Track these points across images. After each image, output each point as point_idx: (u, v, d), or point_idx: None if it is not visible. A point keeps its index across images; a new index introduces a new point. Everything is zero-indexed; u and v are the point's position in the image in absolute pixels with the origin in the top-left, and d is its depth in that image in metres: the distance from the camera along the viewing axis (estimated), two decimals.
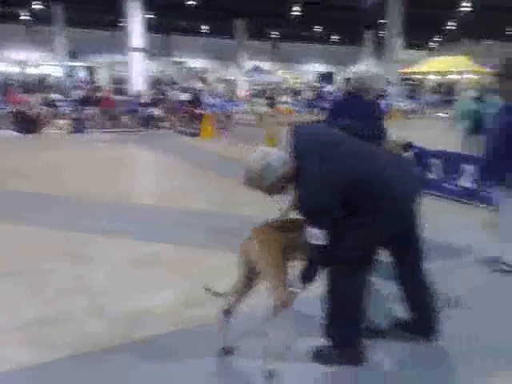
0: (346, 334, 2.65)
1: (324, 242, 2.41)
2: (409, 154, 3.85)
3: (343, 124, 2.88)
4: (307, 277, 2.52)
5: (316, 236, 2.40)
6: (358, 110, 3.54)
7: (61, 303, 3.38)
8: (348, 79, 3.73)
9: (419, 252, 2.84)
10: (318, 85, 28.30)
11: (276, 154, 2.50)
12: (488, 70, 18.03)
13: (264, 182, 2.47)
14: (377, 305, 2.98)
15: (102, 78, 28.84)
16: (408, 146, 3.90)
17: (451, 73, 23.72)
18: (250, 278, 2.64)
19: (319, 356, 2.68)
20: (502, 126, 3.80)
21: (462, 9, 22.05)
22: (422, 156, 6.51)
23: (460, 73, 22.90)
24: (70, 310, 3.28)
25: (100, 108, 14.58)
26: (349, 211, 2.47)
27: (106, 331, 3.00)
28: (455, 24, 25.86)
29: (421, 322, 2.88)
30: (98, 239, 4.69)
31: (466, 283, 3.79)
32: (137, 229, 5.05)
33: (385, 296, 3.24)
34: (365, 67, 3.66)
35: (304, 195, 2.40)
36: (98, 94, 15.79)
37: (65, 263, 4.11)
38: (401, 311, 2.97)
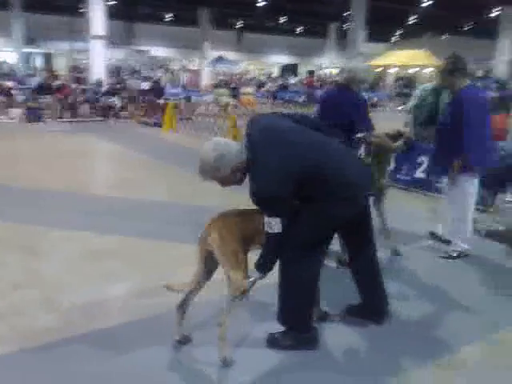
0: (298, 319, 2.71)
1: (279, 230, 2.44)
2: (400, 143, 3.95)
3: (297, 116, 2.96)
4: (264, 265, 2.54)
5: (271, 225, 2.43)
6: (343, 101, 3.65)
7: (12, 296, 3.29)
8: (341, 70, 3.84)
9: (371, 237, 2.95)
10: (280, 76, 28.35)
11: (230, 145, 2.50)
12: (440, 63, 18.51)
13: (218, 173, 2.47)
14: (328, 290, 3.06)
15: (61, 65, 27.92)
16: (399, 135, 3.99)
17: (411, 66, 24.27)
18: (208, 267, 2.65)
19: (273, 342, 2.73)
20: (447, 117, 4.05)
21: (423, 4, 22.53)
22: None
23: (419, 66, 23.46)
24: (22, 303, 3.20)
25: (57, 97, 14.11)
26: (302, 199, 2.52)
27: (57, 324, 2.94)
28: (416, 18, 26.42)
29: (372, 305, 3.00)
30: (50, 231, 4.58)
31: (415, 268, 3.95)
32: (91, 220, 4.95)
33: (336, 281, 3.34)
34: (356, 61, 3.83)
35: (256, 185, 2.41)
36: (56, 82, 15.28)
37: (17, 256, 4.00)
38: (351, 297, 3.05)
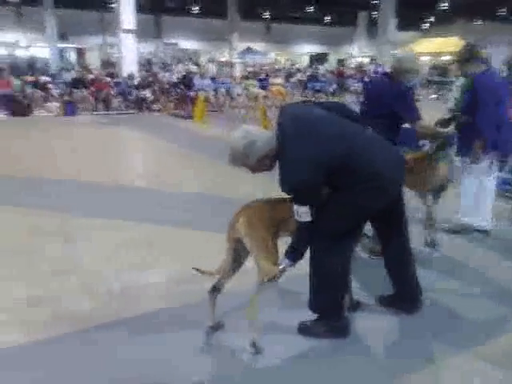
0: (329, 308, 2.73)
1: (309, 219, 2.45)
2: (451, 129, 3.95)
3: (329, 104, 2.95)
4: (294, 253, 2.57)
5: (301, 213, 2.45)
6: (386, 91, 3.62)
7: (51, 283, 3.42)
8: (393, 59, 3.85)
9: (404, 227, 2.92)
10: (310, 66, 28.05)
11: (259, 133, 2.53)
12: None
13: (248, 161, 2.50)
14: (360, 280, 3.07)
15: (93, 59, 28.46)
16: (449, 120, 4.00)
17: (444, 54, 23.62)
18: (238, 255, 2.69)
19: (304, 329, 2.76)
20: (465, 103, 4.27)
21: None
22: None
23: (452, 53, 22.81)
24: (61, 289, 3.33)
25: (91, 90, 14.43)
26: (332, 188, 2.53)
27: (95, 310, 3.06)
28: (448, 4, 25.68)
29: (404, 295, 2.99)
30: (87, 220, 4.73)
31: (453, 257, 3.91)
32: (127, 210, 5.08)
33: (368, 271, 3.33)
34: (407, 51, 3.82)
35: (286, 173, 2.42)
36: (89, 76, 15.61)
37: (55, 244, 4.15)
38: (383, 287, 3.05)
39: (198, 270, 2.71)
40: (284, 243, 2.63)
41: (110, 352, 2.64)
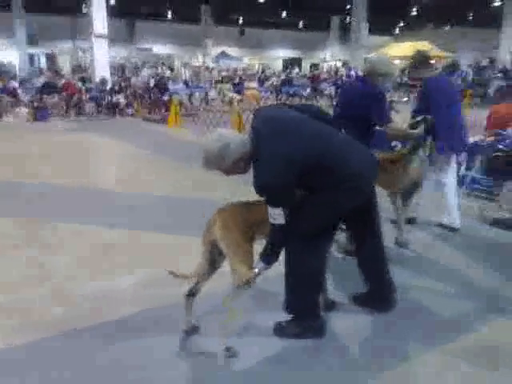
0: (304, 308, 2.74)
1: (283, 222, 2.46)
2: (420, 130, 4.00)
3: (303, 107, 2.98)
4: (269, 255, 2.57)
5: (274, 215, 2.45)
6: (360, 94, 3.67)
7: (24, 289, 3.34)
8: (365, 62, 3.92)
9: (377, 226, 2.96)
10: (285, 71, 28.25)
11: (234, 136, 2.52)
12: (447, 54, 18.43)
13: (223, 163, 2.49)
14: (334, 279, 3.09)
15: (64, 64, 28.02)
16: (419, 122, 4.07)
17: None
18: (213, 258, 2.68)
19: (279, 330, 2.77)
20: (417, 105, 4.48)
21: None
22: None
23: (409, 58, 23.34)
24: (33, 296, 3.25)
25: (63, 95, 14.20)
26: (306, 189, 2.54)
27: (68, 316, 3.00)
28: (418, 10, 26.26)
29: (377, 294, 3.01)
30: (60, 226, 4.64)
31: (425, 256, 3.99)
32: (99, 215, 5.01)
33: (342, 271, 3.36)
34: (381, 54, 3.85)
35: (260, 173, 2.42)
36: (61, 81, 15.36)
37: (28, 250, 4.05)
38: (357, 286, 3.08)
39: (172, 272, 2.68)
40: (260, 245, 2.63)
41: (85, 358, 2.59)
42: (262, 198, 2.52)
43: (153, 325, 2.91)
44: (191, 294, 2.73)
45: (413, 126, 4.09)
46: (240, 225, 2.56)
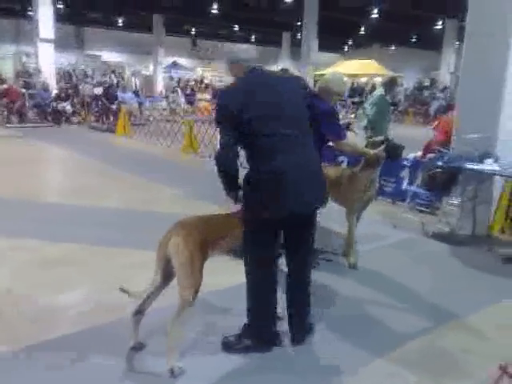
0: (253, 322, 2.75)
1: (239, 203, 2.60)
2: (380, 150, 3.96)
3: None
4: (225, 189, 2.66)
5: (230, 198, 2.58)
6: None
7: None
8: (316, 80, 3.92)
9: (307, 252, 2.86)
10: None
11: None
12: (390, 72, 19.30)
13: None
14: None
15: (7, 69, 26.81)
16: (381, 143, 4.10)
17: (361, 76, 24.99)
18: (166, 274, 2.62)
19: (228, 345, 2.76)
20: None
21: (371, 16, 23.30)
22: None
23: (369, 75, 24.22)
24: None
25: (4, 101, 13.58)
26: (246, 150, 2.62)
27: (4, 336, 2.84)
28: (366, 30, 27.26)
29: (290, 324, 2.89)
30: (1, 241, 4.41)
31: (370, 268, 4.08)
32: (42, 228, 4.80)
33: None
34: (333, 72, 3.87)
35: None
36: (2, 86, 14.69)
37: None
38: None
39: (124, 290, 2.59)
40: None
41: (20, 381, 2.46)
42: (218, 214, 2.60)
43: (95, 343, 2.80)
44: (138, 312, 2.67)
45: (374, 145, 4.13)
46: (196, 241, 2.53)
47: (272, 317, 2.80)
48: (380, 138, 4.31)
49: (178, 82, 25.37)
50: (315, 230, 2.88)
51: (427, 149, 6.36)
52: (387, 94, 6.43)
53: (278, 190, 2.51)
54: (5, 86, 14.87)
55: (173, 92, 18.97)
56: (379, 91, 6.52)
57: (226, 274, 3.26)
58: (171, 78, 27.38)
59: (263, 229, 2.63)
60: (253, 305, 2.73)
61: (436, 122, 7.41)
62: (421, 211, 5.81)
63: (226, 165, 2.55)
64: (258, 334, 2.76)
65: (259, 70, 2.76)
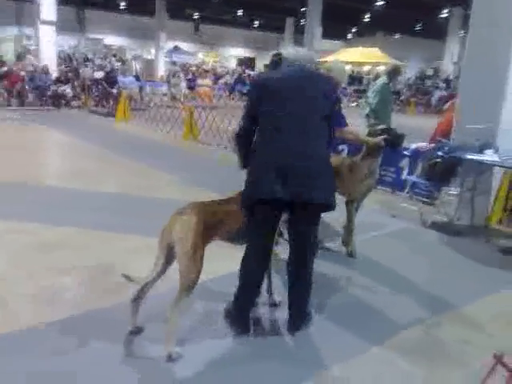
0: (236, 300, 2.82)
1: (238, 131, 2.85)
2: (379, 139, 3.93)
3: None
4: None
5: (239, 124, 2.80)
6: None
7: None
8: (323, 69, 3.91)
9: (308, 242, 2.85)
10: (239, 69, 28.20)
11: None
12: (393, 61, 19.14)
13: None
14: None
15: (8, 51, 26.61)
16: (381, 132, 4.06)
17: (364, 64, 24.83)
18: (167, 259, 2.62)
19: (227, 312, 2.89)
20: None
21: (376, 3, 23.09)
22: None
23: (372, 64, 24.06)
24: None
25: (4, 84, 13.50)
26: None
27: (2, 319, 2.86)
28: (370, 17, 27.02)
29: (289, 311, 2.92)
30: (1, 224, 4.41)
31: (370, 256, 4.09)
32: (41, 212, 4.80)
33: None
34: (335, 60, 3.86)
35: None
36: (2, 69, 14.59)
37: None
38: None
39: (126, 276, 2.60)
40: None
41: (19, 364, 2.47)
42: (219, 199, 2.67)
43: (95, 327, 2.81)
44: (138, 297, 2.67)
45: (374, 134, 4.10)
46: (199, 228, 2.52)
47: (251, 303, 2.87)
48: (381, 126, 4.29)
49: (183, 67, 25.15)
50: (318, 222, 2.87)
51: (434, 138, 6.33)
52: (390, 83, 6.41)
53: (262, 174, 2.61)
54: (5, 68, 14.78)
55: (174, 76, 18.81)
56: (382, 79, 6.50)
57: (225, 261, 3.26)
58: (173, 63, 27.11)
59: (257, 212, 2.68)
60: (239, 288, 2.79)
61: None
62: (420, 201, 5.81)
63: (240, 144, 2.87)
64: (235, 316, 2.83)
65: (296, 65, 2.78)
